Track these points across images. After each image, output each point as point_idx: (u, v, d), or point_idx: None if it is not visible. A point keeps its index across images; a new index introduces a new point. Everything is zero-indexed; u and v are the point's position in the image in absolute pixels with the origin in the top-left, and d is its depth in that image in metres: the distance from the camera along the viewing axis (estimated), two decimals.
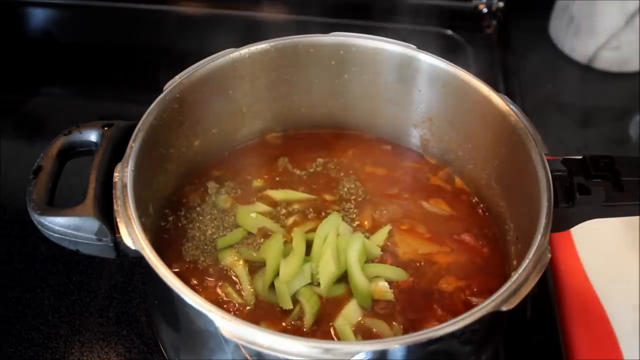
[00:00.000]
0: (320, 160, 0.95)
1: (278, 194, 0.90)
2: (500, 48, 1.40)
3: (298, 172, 0.94)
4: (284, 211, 0.88)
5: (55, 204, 0.74)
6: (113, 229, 0.72)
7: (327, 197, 0.90)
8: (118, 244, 0.72)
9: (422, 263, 0.83)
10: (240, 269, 0.81)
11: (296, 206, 0.89)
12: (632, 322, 0.90)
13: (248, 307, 0.78)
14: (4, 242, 1.01)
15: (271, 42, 0.89)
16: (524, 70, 1.35)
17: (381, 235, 0.85)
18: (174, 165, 0.87)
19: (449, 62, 0.88)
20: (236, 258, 0.82)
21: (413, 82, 0.91)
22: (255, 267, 0.81)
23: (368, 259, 0.82)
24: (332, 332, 0.76)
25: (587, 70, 1.36)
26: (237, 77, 0.89)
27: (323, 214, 0.87)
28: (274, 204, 0.89)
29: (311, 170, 0.94)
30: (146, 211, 0.79)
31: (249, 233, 0.85)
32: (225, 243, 0.83)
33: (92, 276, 0.96)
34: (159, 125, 0.80)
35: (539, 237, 0.69)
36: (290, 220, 0.87)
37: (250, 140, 0.97)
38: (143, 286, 0.95)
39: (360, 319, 0.77)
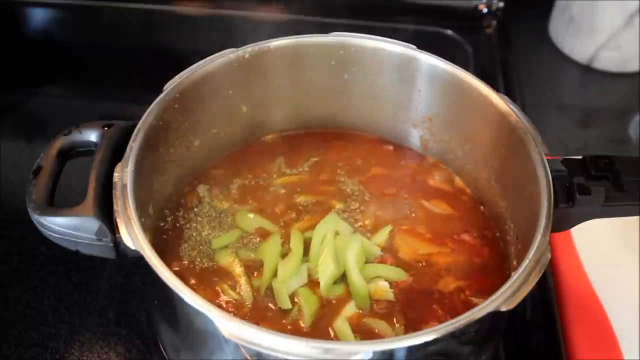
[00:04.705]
0: (319, 160, 0.95)
1: (278, 180, 0.91)
2: (500, 48, 1.40)
3: (297, 172, 0.94)
4: (282, 211, 0.88)
5: (55, 204, 0.74)
6: (113, 229, 0.72)
7: (328, 197, 0.90)
8: (118, 244, 0.72)
9: (423, 263, 0.83)
10: (237, 269, 0.81)
11: (298, 201, 0.89)
12: (632, 322, 0.89)
13: (247, 306, 0.78)
14: (4, 242, 1.00)
15: (271, 42, 0.89)
16: (524, 70, 1.34)
17: (381, 235, 0.85)
18: (174, 165, 0.87)
19: (449, 62, 0.88)
20: (232, 258, 0.82)
21: (413, 82, 0.91)
22: (253, 268, 0.81)
23: (368, 260, 0.82)
24: (332, 333, 0.76)
25: (587, 70, 1.36)
26: (237, 77, 0.89)
27: (323, 214, 0.87)
28: (272, 203, 0.89)
29: (310, 170, 0.94)
30: (146, 211, 0.79)
31: (246, 232, 0.85)
32: (220, 243, 0.83)
33: (92, 276, 0.96)
34: (159, 125, 0.80)
35: (539, 237, 0.69)
36: (289, 219, 0.87)
37: (250, 140, 0.97)
38: (143, 286, 0.95)
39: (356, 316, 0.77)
